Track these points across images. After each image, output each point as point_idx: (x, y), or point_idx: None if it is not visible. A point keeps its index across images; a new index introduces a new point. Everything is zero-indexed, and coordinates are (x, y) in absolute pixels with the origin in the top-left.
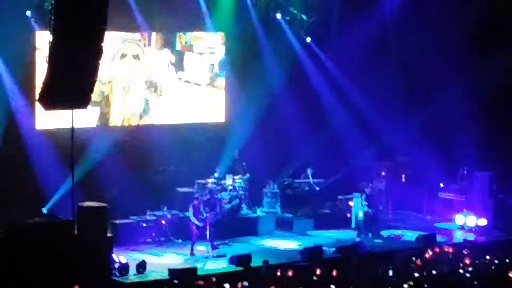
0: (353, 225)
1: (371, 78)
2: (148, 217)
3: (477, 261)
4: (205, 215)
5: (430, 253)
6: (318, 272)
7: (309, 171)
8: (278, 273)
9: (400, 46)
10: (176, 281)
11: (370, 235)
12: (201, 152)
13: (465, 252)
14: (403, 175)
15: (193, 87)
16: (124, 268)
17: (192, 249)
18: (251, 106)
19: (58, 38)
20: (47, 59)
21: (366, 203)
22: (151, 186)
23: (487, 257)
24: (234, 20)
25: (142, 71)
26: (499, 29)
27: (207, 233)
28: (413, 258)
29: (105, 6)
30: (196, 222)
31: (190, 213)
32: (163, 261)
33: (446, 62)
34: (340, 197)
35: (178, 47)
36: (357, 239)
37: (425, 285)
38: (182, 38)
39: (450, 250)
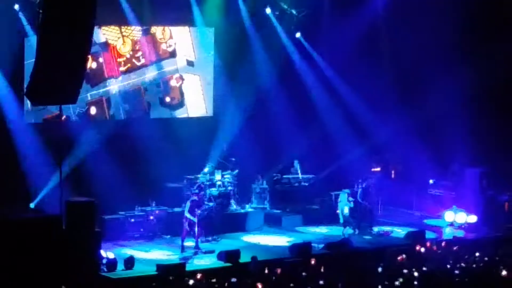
0: (341, 220)
1: (361, 74)
2: (136, 213)
3: (466, 258)
4: (199, 211)
5: (420, 249)
6: (307, 267)
7: (296, 164)
8: (266, 270)
9: (390, 41)
10: (171, 278)
11: (357, 231)
12: (190, 147)
13: (454, 249)
14: (393, 171)
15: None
16: (112, 263)
17: (182, 245)
18: (240, 101)
19: (46, 31)
20: (35, 53)
21: (353, 199)
22: (140, 181)
23: (477, 254)
24: (223, 14)
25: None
26: (488, 26)
27: (196, 229)
28: (403, 255)
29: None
30: (190, 217)
31: (186, 208)
32: (151, 256)
33: (436, 58)
34: (332, 193)
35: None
36: (348, 230)
37: (415, 282)
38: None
39: (440, 246)
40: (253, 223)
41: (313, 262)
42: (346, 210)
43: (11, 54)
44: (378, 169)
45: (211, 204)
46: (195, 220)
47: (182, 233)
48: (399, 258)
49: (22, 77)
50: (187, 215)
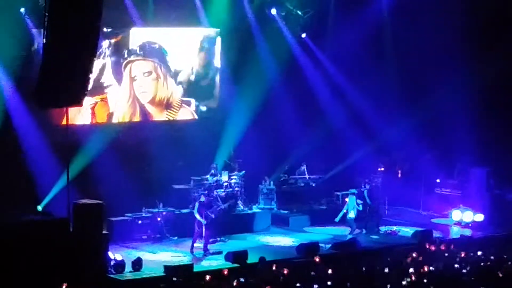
0: (337, 219)
1: (367, 74)
2: (143, 214)
3: (473, 257)
4: (209, 213)
5: (427, 248)
6: (315, 267)
7: (302, 167)
8: (274, 269)
9: (396, 41)
10: (175, 279)
11: (364, 231)
12: (197, 149)
13: (461, 248)
14: (400, 171)
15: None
16: (120, 265)
17: (192, 246)
18: (246, 102)
19: (52, 35)
20: (42, 55)
21: (361, 201)
22: (147, 183)
23: (484, 252)
24: (229, 15)
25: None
26: (495, 26)
27: (204, 231)
28: (410, 254)
29: (99, 2)
30: (200, 219)
31: (195, 210)
32: (158, 258)
33: (442, 58)
34: (337, 193)
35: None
36: (348, 237)
37: (424, 281)
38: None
39: (447, 245)
40: (260, 223)
41: (317, 259)
42: (352, 214)
43: (18, 57)
44: (383, 168)
45: (222, 206)
46: (204, 221)
47: (193, 235)
48: (407, 258)
49: (29, 80)
50: (196, 216)
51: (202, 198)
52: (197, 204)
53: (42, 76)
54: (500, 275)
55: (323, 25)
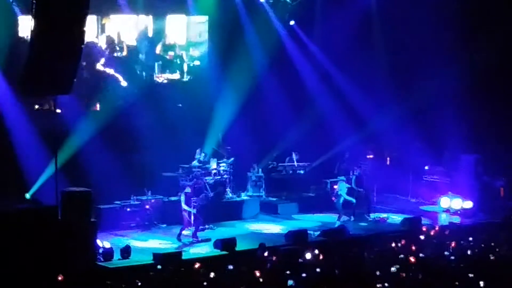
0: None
1: (356, 61)
2: (132, 202)
3: (462, 244)
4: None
5: (416, 236)
6: (303, 255)
7: (294, 156)
8: (266, 254)
9: (385, 29)
10: (159, 267)
11: (352, 218)
12: (185, 136)
13: (450, 235)
14: (388, 158)
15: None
16: (109, 253)
17: (180, 234)
18: (235, 89)
19: (39, 22)
20: (29, 42)
21: (349, 185)
22: (135, 170)
23: (473, 239)
24: (217, 2)
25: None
26: (481, 14)
27: (192, 219)
28: (399, 241)
29: None
30: (189, 209)
31: (182, 201)
32: (147, 245)
33: (431, 45)
34: (327, 180)
35: None
36: (337, 223)
37: (412, 268)
38: None
39: (435, 233)
40: (249, 211)
41: (309, 257)
42: (341, 199)
43: (4, 43)
44: (371, 156)
45: (209, 194)
46: (193, 210)
47: (182, 223)
48: (396, 245)
49: (16, 67)
50: (185, 207)
51: (188, 189)
52: (183, 196)
53: (29, 64)
54: (492, 257)
55: (312, 12)
